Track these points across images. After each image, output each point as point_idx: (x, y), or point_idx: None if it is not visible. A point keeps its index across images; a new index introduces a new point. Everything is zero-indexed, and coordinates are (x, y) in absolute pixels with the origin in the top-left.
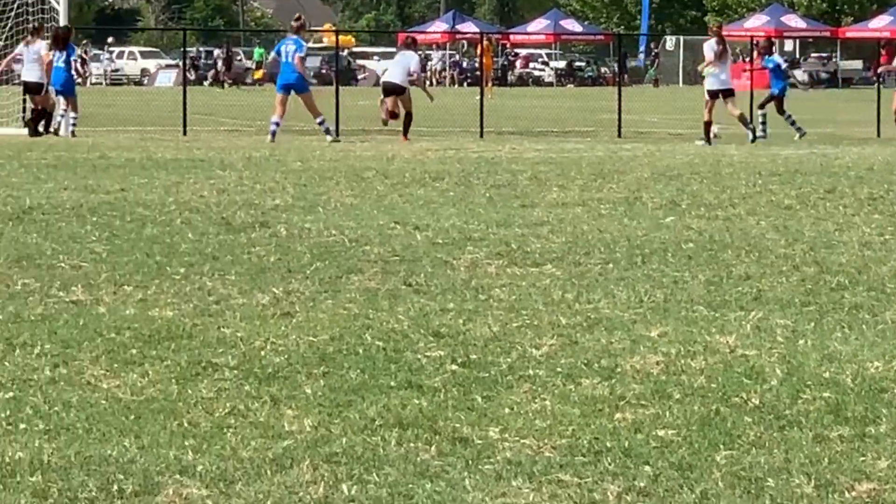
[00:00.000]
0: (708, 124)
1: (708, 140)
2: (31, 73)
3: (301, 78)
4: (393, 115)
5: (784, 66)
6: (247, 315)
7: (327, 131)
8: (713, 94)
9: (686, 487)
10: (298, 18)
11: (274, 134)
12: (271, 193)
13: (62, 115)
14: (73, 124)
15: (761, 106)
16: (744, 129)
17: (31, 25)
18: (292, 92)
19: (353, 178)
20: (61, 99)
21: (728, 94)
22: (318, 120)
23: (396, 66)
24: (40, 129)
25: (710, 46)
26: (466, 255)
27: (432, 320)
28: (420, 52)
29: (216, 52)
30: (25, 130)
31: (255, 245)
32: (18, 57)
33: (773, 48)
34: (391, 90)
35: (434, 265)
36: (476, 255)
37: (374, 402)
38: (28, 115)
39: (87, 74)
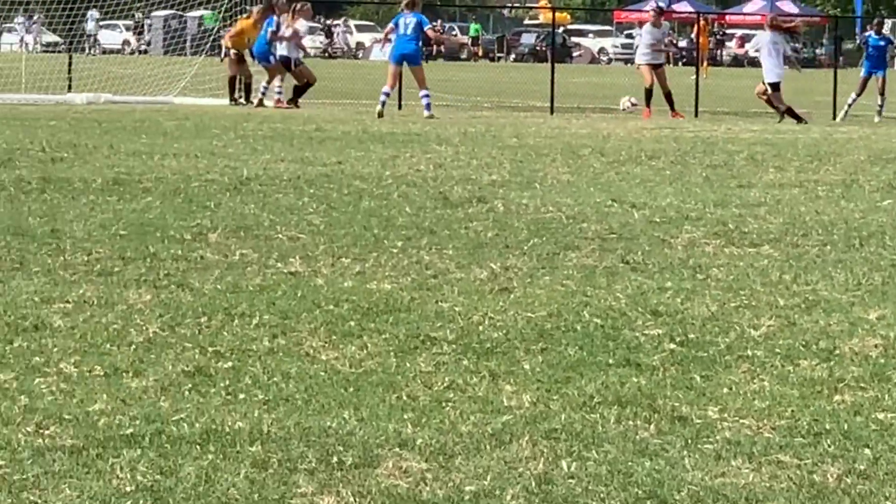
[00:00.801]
0: (789, 110)
1: (799, 118)
2: (283, 50)
3: (418, 51)
4: (650, 91)
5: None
6: (464, 290)
7: (428, 106)
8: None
9: None
10: None
11: (384, 104)
12: (488, 169)
13: (265, 88)
14: (279, 93)
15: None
16: (771, 110)
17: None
18: (405, 64)
19: (568, 155)
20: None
21: (776, 87)
22: (423, 93)
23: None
24: (242, 100)
25: (768, 39)
26: (684, 234)
27: (650, 298)
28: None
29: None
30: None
31: (472, 220)
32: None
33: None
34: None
35: (651, 243)
36: (693, 235)
37: (593, 380)
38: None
39: (338, 47)
